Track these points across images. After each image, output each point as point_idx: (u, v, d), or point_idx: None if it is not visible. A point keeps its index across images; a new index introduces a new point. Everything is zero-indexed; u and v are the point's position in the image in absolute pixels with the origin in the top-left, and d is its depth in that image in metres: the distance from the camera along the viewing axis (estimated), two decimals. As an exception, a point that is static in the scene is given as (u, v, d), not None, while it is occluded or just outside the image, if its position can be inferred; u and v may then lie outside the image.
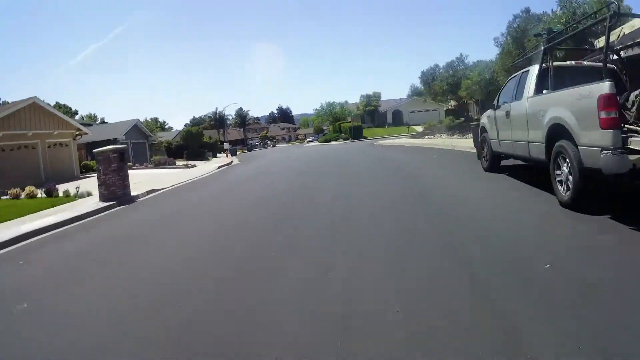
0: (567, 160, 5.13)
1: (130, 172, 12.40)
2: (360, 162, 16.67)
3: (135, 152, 34.30)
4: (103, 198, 11.18)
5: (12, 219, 9.10)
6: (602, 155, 4.41)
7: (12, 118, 19.01)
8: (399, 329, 2.78)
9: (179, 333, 3.02)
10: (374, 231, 5.29)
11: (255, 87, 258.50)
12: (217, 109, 79.30)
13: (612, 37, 6.12)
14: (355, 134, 48.56)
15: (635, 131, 4.47)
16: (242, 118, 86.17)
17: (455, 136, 25.07)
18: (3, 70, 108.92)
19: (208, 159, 37.16)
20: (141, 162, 30.82)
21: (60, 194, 12.98)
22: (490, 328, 2.64)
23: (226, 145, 40.82)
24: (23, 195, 12.99)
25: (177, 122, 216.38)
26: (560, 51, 10.43)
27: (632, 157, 4.24)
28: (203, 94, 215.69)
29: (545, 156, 5.83)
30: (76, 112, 67.33)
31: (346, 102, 71.89)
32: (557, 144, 5.40)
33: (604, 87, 4.46)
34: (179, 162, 29.70)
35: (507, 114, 7.37)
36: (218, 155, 43.80)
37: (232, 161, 29.50)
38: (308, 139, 76.18)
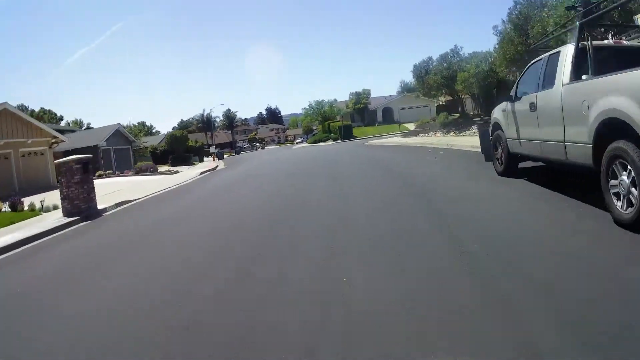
0: (630, 166, 3.91)
1: (109, 180, 11.49)
2: (355, 171, 15.38)
3: (118, 158, 33.27)
4: (66, 213, 10.28)
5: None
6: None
7: (-19, 126, 18.10)
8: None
9: None
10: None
11: (244, 88, 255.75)
12: (204, 111, 77.61)
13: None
14: (345, 133, 47.11)
15: None
16: (230, 120, 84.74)
17: (451, 134, 23.88)
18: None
19: (194, 164, 35.81)
20: (125, 168, 29.92)
21: (26, 207, 12.31)
22: None
23: (212, 149, 39.43)
24: (-15, 209, 12.15)
25: (165, 125, 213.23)
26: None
27: None
28: (191, 96, 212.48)
29: (593, 161, 4.57)
30: (61, 118, 66.03)
31: (335, 100, 70.43)
32: (612, 145, 4.16)
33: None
34: (163, 168, 28.41)
35: (532, 106, 6.09)
36: (205, 159, 42.48)
37: (217, 166, 28.13)
38: (297, 140, 74.59)
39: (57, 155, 26.62)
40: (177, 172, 24.33)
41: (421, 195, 7.14)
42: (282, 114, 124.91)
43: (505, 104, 7.43)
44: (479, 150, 11.93)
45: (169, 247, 6.02)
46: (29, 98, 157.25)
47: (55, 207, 11.70)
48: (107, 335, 3.24)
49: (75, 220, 9.64)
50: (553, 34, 7.26)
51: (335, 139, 48.74)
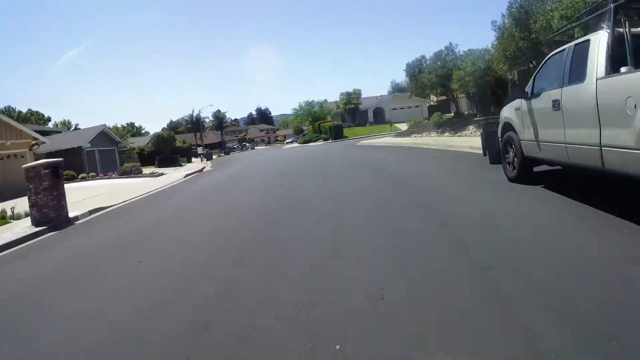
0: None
1: (92, 182, 10.74)
2: (347, 172, 14.60)
3: (103, 160, 32.25)
4: (35, 221, 9.56)
5: None
6: None
7: (-44, 129, 17.30)
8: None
9: None
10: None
11: (234, 89, 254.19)
12: (193, 111, 76.47)
13: None
14: (336, 133, 46.34)
15: None
16: (219, 120, 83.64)
17: (447, 134, 23.17)
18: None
19: (181, 165, 34.80)
20: (111, 170, 28.91)
21: (-1, 213, 11.56)
22: None
23: (200, 150, 38.45)
24: (-46, 216, 11.28)
25: (155, 127, 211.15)
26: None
27: None
28: (181, 97, 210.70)
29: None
30: (49, 119, 64.79)
31: (325, 100, 69.75)
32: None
33: None
34: (148, 170, 27.41)
35: (555, 104, 5.33)
36: (193, 160, 41.48)
37: (203, 167, 27.17)
38: (287, 140, 73.63)
39: (39, 157, 25.52)
40: (162, 174, 23.34)
41: (432, 215, 6.09)
42: (273, 114, 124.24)
43: (518, 102, 6.66)
44: (480, 152, 11.30)
45: (140, 268, 5.14)
46: (18, 100, 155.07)
47: (27, 214, 10.79)
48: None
49: (42, 230, 8.84)
50: (578, 20, 6.45)
51: (325, 139, 47.96)
